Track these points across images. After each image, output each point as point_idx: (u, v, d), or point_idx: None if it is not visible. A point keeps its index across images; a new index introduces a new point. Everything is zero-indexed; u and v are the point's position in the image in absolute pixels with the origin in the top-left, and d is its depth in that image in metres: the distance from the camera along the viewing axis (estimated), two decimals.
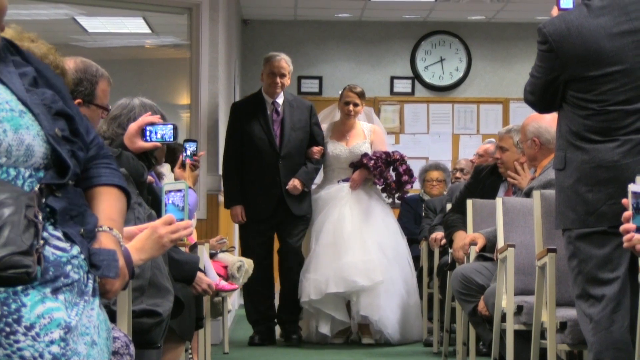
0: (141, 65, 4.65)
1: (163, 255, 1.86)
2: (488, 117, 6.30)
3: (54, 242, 1.06)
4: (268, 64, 3.92)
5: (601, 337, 1.82)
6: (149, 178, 2.13)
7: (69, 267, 1.06)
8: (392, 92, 6.38)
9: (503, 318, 2.49)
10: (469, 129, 6.32)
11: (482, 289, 2.75)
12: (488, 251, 2.85)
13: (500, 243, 2.59)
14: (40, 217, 1.02)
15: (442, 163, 4.82)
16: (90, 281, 1.09)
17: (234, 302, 4.84)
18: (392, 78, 6.38)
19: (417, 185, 4.43)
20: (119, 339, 1.38)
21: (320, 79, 6.34)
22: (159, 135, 1.99)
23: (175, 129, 1.99)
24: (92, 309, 1.08)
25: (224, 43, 4.41)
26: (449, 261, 3.36)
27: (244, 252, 3.90)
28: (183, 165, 2.75)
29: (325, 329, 3.81)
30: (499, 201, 2.65)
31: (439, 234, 3.60)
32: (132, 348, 1.40)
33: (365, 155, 3.91)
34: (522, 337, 2.42)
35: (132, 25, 4.65)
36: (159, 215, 1.49)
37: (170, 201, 1.41)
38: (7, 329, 1.00)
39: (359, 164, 3.92)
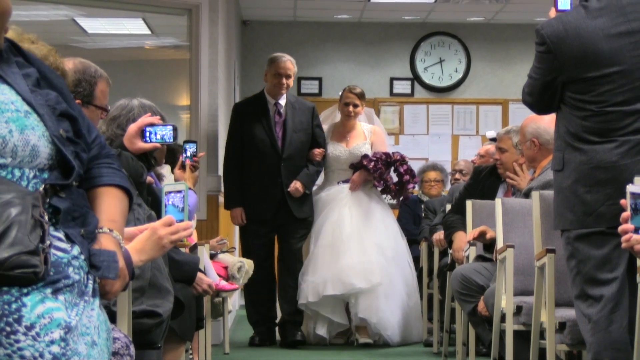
0: (141, 66, 4.66)
1: (163, 256, 1.86)
2: (487, 118, 6.31)
3: (55, 243, 1.06)
4: (273, 64, 3.90)
5: (600, 337, 1.83)
6: (149, 179, 2.13)
7: (69, 268, 1.07)
8: (391, 93, 6.38)
9: (502, 318, 2.50)
10: (469, 130, 6.32)
11: (481, 289, 2.76)
12: (489, 251, 2.86)
13: (500, 244, 2.60)
14: (46, 218, 1.02)
15: (440, 163, 4.83)
16: (91, 282, 1.10)
17: (235, 302, 4.84)
18: (392, 79, 6.39)
19: (415, 186, 4.42)
20: (119, 340, 1.39)
21: (319, 80, 6.34)
22: (158, 136, 1.99)
23: (174, 129, 2.00)
24: (92, 310, 1.08)
25: (223, 44, 4.42)
26: (449, 262, 3.37)
27: (245, 254, 3.89)
28: (183, 166, 2.76)
29: (322, 330, 3.80)
30: (498, 202, 2.66)
31: (441, 234, 3.60)
32: (132, 349, 1.40)
33: (365, 156, 3.90)
34: (522, 338, 2.42)
35: (132, 26, 4.65)
36: (158, 216, 1.49)
37: (170, 202, 1.42)
38: (8, 329, 1.00)
39: (358, 165, 3.91)
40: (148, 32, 4.68)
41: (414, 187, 4.03)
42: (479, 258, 2.91)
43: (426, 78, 6.39)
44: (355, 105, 3.96)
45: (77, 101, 1.80)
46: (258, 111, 3.89)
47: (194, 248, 2.78)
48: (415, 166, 4.62)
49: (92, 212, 1.14)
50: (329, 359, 3.60)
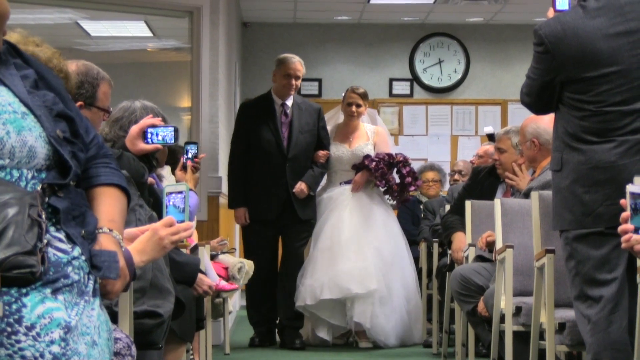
0: (143, 68, 4.67)
1: (164, 257, 1.87)
2: (486, 118, 6.32)
3: (55, 244, 1.07)
4: (283, 65, 3.89)
5: (599, 338, 1.83)
6: (150, 179, 2.14)
7: (69, 268, 1.07)
8: (390, 94, 6.40)
9: (502, 319, 2.50)
10: (468, 131, 6.33)
11: (481, 290, 2.76)
12: (489, 251, 2.86)
13: (499, 244, 2.60)
14: (43, 217, 1.03)
15: (438, 164, 4.83)
16: (91, 282, 1.10)
17: (235, 303, 4.84)
18: (391, 80, 6.40)
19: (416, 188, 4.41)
20: (120, 340, 1.39)
21: (319, 81, 6.35)
22: (160, 138, 2.00)
23: (176, 131, 2.01)
24: (92, 309, 1.09)
25: (224, 46, 4.43)
26: (448, 262, 3.37)
27: (247, 253, 3.88)
28: (184, 168, 2.77)
29: (323, 332, 3.79)
30: (497, 202, 2.66)
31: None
32: (133, 349, 1.41)
33: (367, 156, 3.88)
34: (521, 338, 2.42)
35: (134, 29, 4.67)
36: (159, 217, 1.50)
37: (171, 203, 1.42)
38: (9, 329, 1.01)
39: (361, 165, 3.89)
40: (150, 34, 4.70)
41: (415, 190, 4.01)
42: (478, 258, 2.92)
43: (425, 79, 6.40)
44: (358, 106, 3.94)
45: (80, 103, 1.81)
46: (264, 111, 3.88)
47: (194, 249, 2.78)
48: (415, 167, 4.63)
49: (90, 212, 1.15)
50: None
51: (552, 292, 2.19)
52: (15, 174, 1.07)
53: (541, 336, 2.26)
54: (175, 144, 2.13)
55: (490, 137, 4.12)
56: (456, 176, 4.44)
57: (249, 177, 3.87)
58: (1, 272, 0.98)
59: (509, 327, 2.43)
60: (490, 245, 2.81)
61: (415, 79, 6.40)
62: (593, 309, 1.84)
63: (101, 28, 4.62)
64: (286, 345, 3.85)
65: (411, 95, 6.41)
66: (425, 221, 4.25)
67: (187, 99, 4.28)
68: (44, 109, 1.10)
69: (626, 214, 1.33)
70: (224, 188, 4.29)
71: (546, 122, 2.63)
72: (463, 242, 3.15)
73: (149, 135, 2.00)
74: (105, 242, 1.15)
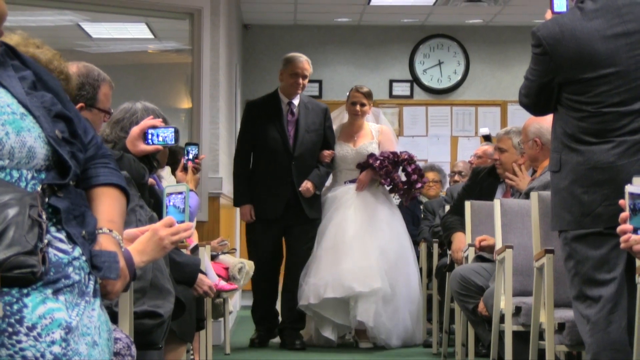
0: (144, 69, 4.68)
1: (164, 257, 1.87)
2: (486, 119, 6.32)
3: (56, 244, 1.07)
4: (290, 64, 3.89)
5: (598, 338, 1.83)
6: (150, 180, 2.15)
7: (70, 269, 1.08)
8: (391, 95, 6.41)
9: (502, 319, 2.50)
10: (467, 131, 6.34)
11: (480, 290, 2.76)
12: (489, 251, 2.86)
13: (499, 244, 2.61)
14: (44, 217, 1.03)
15: (437, 164, 4.84)
16: (92, 282, 1.11)
17: (235, 303, 4.85)
18: (391, 81, 6.41)
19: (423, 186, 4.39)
20: (120, 340, 1.40)
21: (320, 82, 6.36)
22: (160, 139, 2.01)
23: (176, 132, 2.01)
24: (92, 310, 1.09)
25: (225, 47, 4.44)
26: (448, 262, 3.37)
27: (251, 251, 3.87)
28: (185, 169, 2.78)
29: (328, 332, 3.78)
30: (497, 203, 2.67)
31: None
32: (133, 349, 1.41)
33: (371, 155, 3.86)
34: (521, 338, 2.43)
35: (135, 30, 4.68)
36: (160, 218, 1.51)
37: (171, 203, 1.43)
38: (10, 330, 1.01)
39: (365, 164, 3.88)
40: (151, 36, 4.71)
41: (421, 187, 3.97)
42: (478, 259, 2.92)
43: (425, 80, 6.41)
44: (363, 105, 3.93)
45: (81, 104, 1.82)
46: (271, 110, 3.88)
47: (195, 249, 2.79)
48: None
49: (90, 212, 1.15)
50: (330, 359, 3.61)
51: (551, 292, 2.20)
52: (15, 174, 1.08)
53: (541, 336, 2.26)
54: (175, 145, 2.14)
55: (486, 139, 4.13)
56: (456, 177, 4.44)
57: (255, 175, 3.86)
58: (2, 272, 0.98)
59: (509, 327, 2.43)
60: (485, 249, 2.82)
61: (415, 80, 6.41)
62: (592, 309, 1.84)
63: (102, 30, 4.64)
64: (286, 345, 3.84)
65: (411, 96, 6.42)
66: (425, 221, 4.25)
67: (188, 100, 4.29)
68: (43, 110, 1.11)
69: (625, 214, 1.34)
70: (225, 189, 4.30)
71: (549, 122, 2.61)
72: (463, 242, 3.15)
73: (150, 136, 2.00)
74: (105, 243, 1.16)
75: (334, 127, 4.01)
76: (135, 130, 2.01)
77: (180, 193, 1.43)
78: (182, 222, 1.43)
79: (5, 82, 1.10)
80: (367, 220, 3.84)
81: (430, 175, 4.57)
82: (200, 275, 2.39)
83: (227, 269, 3.35)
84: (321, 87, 6.37)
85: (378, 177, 3.88)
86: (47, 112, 1.12)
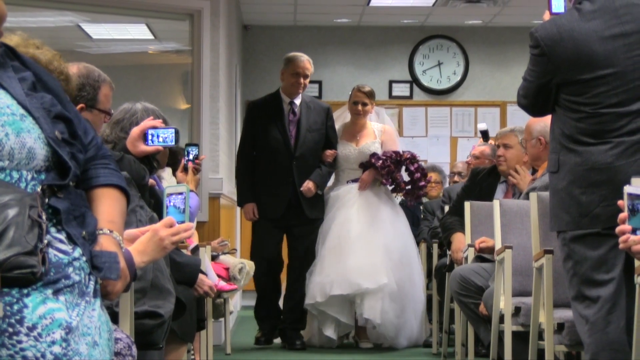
0: (144, 70, 4.69)
1: (165, 258, 1.88)
2: (486, 120, 6.32)
3: (56, 245, 1.08)
4: (292, 63, 3.88)
5: (597, 338, 1.83)
6: (151, 181, 2.15)
7: (70, 269, 1.08)
8: (390, 96, 6.41)
9: (501, 319, 2.51)
10: (467, 132, 6.34)
11: (480, 290, 2.77)
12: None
13: (498, 245, 2.61)
14: (44, 217, 1.04)
15: (438, 165, 4.85)
16: (92, 282, 1.11)
17: (236, 303, 4.85)
18: (391, 82, 6.41)
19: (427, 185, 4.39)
20: (121, 340, 1.40)
21: (319, 83, 6.37)
22: (160, 139, 2.01)
23: (176, 132, 2.02)
24: (93, 310, 1.09)
25: (225, 48, 4.45)
26: (447, 262, 3.38)
27: (255, 251, 3.87)
28: (185, 169, 2.78)
29: (330, 331, 3.76)
30: (496, 203, 2.67)
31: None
32: (134, 349, 1.41)
33: (374, 155, 3.86)
34: (520, 338, 2.43)
35: (135, 31, 4.69)
36: (160, 218, 1.51)
37: (171, 204, 1.44)
38: (10, 330, 1.02)
39: (368, 164, 3.87)
40: (151, 37, 4.71)
41: (426, 186, 3.96)
42: (478, 259, 2.92)
43: (425, 81, 6.42)
44: (364, 104, 3.93)
45: (81, 105, 1.83)
46: (272, 110, 3.88)
47: (195, 250, 2.80)
48: None
49: (90, 212, 1.16)
50: (330, 359, 3.61)
51: (550, 292, 2.20)
52: (15, 175, 1.08)
53: (540, 336, 2.27)
54: (176, 146, 2.14)
55: (484, 134, 4.13)
56: (456, 177, 4.45)
57: (256, 175, 3.86)
58: (2, 272, 0.99)
59: (508, 327, 2.44)
60: (484, 250, 2.82)
61: (414, 81, 6.42)
62: (591, 309, 1.85)
63: (102, 31, 4.64)
64: (287, 345, 3.84)
65: (411, 97, 6.43)
66: (424, 222, 4.25)
67: (188, 101, 4.30)
68: (42, 111, 1.11)
69: (624, 214, 1.34)
70: (225, 189, 4.30)
71: None
72: (462, 242, 3.16)
73: (150, 137, 2.01)
74: (105, 243, 1.16)
75: (336, 126, 4.00)
76: (135, 131, 2.02)
77: (181, 193, 1.44)
78: (183, 222, 1.43)
79: (5, 83, 1.11)
80: (370, 219, 3.82)
81: (432, 176, 4.57)
82: (200, 276, 2.39)
83: (227, 269, 3.35)
84: (321, 88, 6.38)
85: (380, 177, 3.88)
86: (47, 113, 1.12)
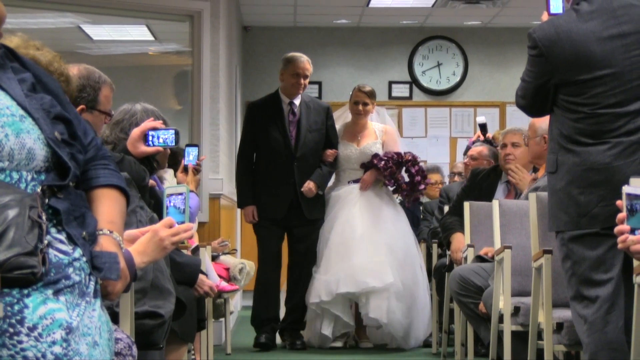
0: (144, 71, 4.70)
1: (165, 258, 1.88)
2: (485, 120, 6.33)
3: (56, 245, 1.08)
4: (291, 64, 3.87)
5: (596, 338, 1.84)
6: (151, 182, 2.16)
7: (70, 269, 1.08)
8: (390, 97, 6.42)
9: (500, 319, 2.51)
10: (467, 133, 6.35)
11: (480, 290, 2.77)
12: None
13: (497, 245, 2.62)
14: (44, 218, 1.04)
15: (439, 165, 4.85)
16: (92, 283, 1.11)
17: (237, 303, 4.85)
18: (390, 83, 6.42)
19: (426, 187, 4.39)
20: (121, 340, 1.40)
21: (319, 84, 6.38)
22: (161, 140, 2.02)
23: (176, 133, 2.03)
24: (93, 310, 1.10)
25: (225, 49, 4.45)
26: (447, 263, 3.38)
27: (260, 250, 3.84)
28: (185, 170, 2.79)
29: (327, 330, 3.76)
30: (495, 203, 2.68)
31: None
32: (134, 349, 1.42)
33: (375, 155, 3.85)
34: (520, 338, 2.44)
35: (136, 32, 4.70)
36: (160, 219, 1.52)
37: (171, 204, 1.44)
38: (11, 330, 1.02)
39: (369, 164, 3.86)
40: (151, 38, 4.72)
41: (425, 188, 3.97)
42: (477, 259, 2.93)
43: (424, 81, 6.42)
44: (365, 104, 3.92)
45: (82, 106, 1.83)
46: (272, 111, 3.87)
47: (195, 250, 2.80)
48: None
49: (90, 213, 1.16)
50: (330, 359, 3.61)
51: (549, 292, 2.21)
52: (15, 176, 1.08)
53: (539, 336, 2.27)
54: (176, 147, 2.15)
55: (482, 128, 4.12)
56: (455, 177, 4.45)
57: (257, 176, 3.85)
58: (2, 273, 0.99)
59: (508, 327, 2.44)
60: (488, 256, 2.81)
61: (414, 81, 6.43)
62: (589, 309, 1.85)
63: (103, 32, 4.65)
64: (287, 345, 3.84)
65: (410, 97, 6.43)
66: (424, 222, 4.26)
67: (188, 102, 4.30)
68: (42, 112, 1.12)
69: (622, 215, 1.34)
70: (225, 190, 4.31)
71: None
72: (462, 242, 3.16)
73: (150, 138, 2.02)
74: (105, 244, 1.16)
75: (337, 126, 3.99)
76: (135, 132, 2.02)
77: (181, 194, 1.44)
78: (183, 223, 1.44)
79: (5, 84, 1.11)
80: (373, 219, 3.81)
81: (434, 177, 4.57)
82: (200, 276, 2.40)
83: (227, 269, 3.36)
84: (321, 89, 6.39)
85: (382, 178, 3.87)
86: (47, 114, 1.12)
